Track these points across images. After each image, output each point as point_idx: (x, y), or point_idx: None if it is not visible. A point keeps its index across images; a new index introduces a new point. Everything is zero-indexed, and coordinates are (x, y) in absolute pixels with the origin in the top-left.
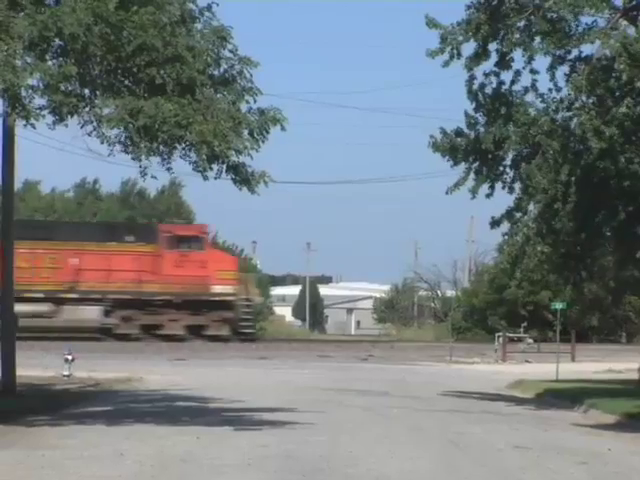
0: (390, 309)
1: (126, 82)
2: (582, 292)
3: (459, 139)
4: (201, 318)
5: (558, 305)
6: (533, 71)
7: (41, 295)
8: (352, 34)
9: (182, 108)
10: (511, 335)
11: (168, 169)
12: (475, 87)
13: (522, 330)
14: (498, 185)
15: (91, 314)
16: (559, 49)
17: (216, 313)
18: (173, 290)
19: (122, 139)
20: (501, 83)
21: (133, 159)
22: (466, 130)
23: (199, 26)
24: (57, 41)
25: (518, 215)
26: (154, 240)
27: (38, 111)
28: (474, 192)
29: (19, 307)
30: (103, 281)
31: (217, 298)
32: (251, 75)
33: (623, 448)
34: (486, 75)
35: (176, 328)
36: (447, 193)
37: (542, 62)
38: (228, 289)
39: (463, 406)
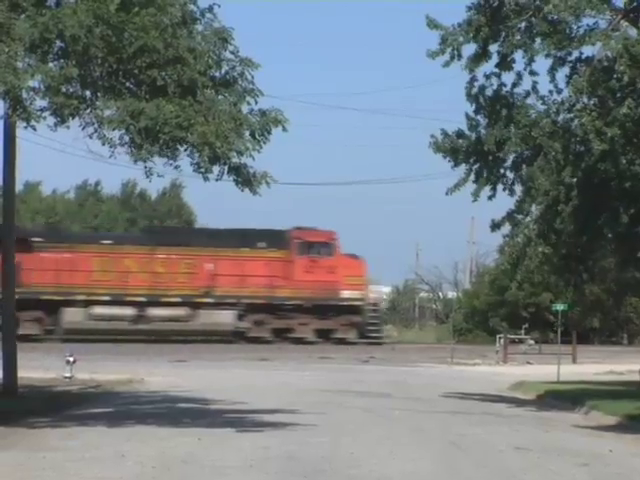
0: (391, 311)
1: (127, 84)
2: (583, 294)
3: (460, 140)
4: (329, 322)
5: (559, 307)
6: (533, 72)
7: (178, 300)
8: (352, 35)
9: (183, 110)
10: (512, 337)
11: (176, 167)
12: (475, 90)
13: (523, 332)
14: (499, 187)
15: (226, 318)
16: (560, 50)
17: (344, 317)
18: (303, 295)
19: (125, 141)
20: (502, 85)
21: (136, 161)
22: (467, 132)
23: (200, 27)
24: (58, 43)
25: (519, 217)
26: (285, 246)
27: (39, 113)
28: (475, 195)
29: (157, 311)
30: (237, 286)
31: (345, 303)
32: (252, 76)
33: (624, 449)
34: (487, 77)
35: (306, 332)
36: (447, 194)
37: (543, 64)
38: (356, 294)
39: (464, 407)
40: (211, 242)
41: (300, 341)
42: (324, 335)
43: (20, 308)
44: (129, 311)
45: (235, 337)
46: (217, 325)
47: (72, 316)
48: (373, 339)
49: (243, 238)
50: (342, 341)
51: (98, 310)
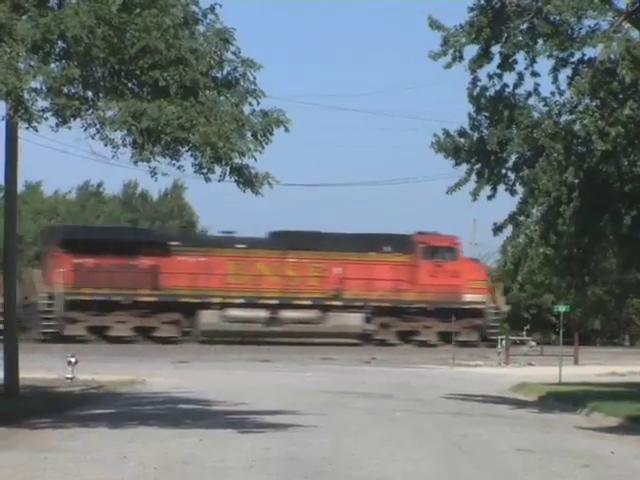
0: None
1: (129, 84)
2: (585, 295)
3: (462, 139)
4: (452, 325)
5: (561, 308)
6: (535, 73)
7: (309, 302)
8: (353, 36)
9: (185, 110)
10: (514, 338)
11: (179, 167)
12: (477, 91)
13: (525, 333)
14: (500, 187)
15: (354, 321)
16: (562, 52)
17: (466, 320)
18: (428, 298)
19: (127, 142)
20: (504, 86)
21: (137, 162)
22: (469, 131)
23: (202, 28)
24: (60, 44)
25: (521, 219)
26: (410, 250)
27: (41, 114)
28: (475, 195)
29: (289, 314)
30: (364, 289)
31: (468, 306)
32: (254, 77)
33: (626, 451)
34: (490, 77)
35: (429, 334)
36: (448, 193)
37: (544, 65)
38: (478, 298)
39: (466, 409)
40: (339, 246)
41: (424, 344)
42: (446, 338)
43: (159, 310)
44: (262, 313)
45: (362, 339)
46: (345, 327)
47: (208, 318)
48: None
49: (369, 243)
50: (465, 344)
51: (233, 312)
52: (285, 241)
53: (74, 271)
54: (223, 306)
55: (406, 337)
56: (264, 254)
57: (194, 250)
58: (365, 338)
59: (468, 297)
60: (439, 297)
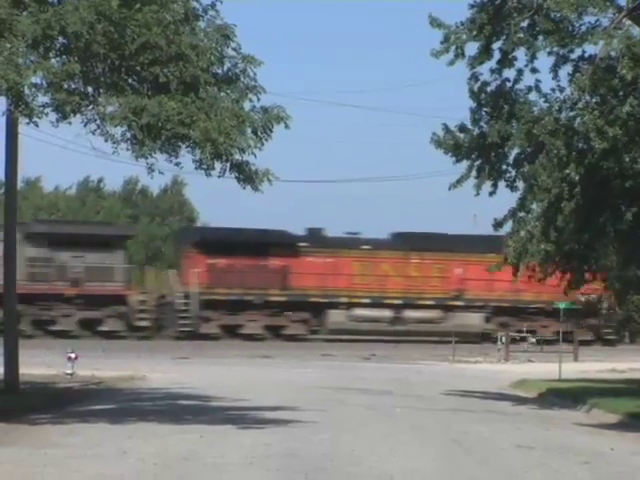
0: None
1: (130, 80)
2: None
3: (462, 135)
4: (569, 325)
5: (561, 304)
6: (535, 70)
7: (432, 302)
8: (353, 33)
9: (185, 106)
10: (514, 334)
11: (177, 164)
12: (477, 86)
13: (525, 329)
14: (501, 184)
15: (474, 320)
16: (562, 48)
17: (583, 320)
18: (544, 298)
19: (127, 137)
20: (505, 80)
21: (138, 157)
22: (470, 126)
23: (203, 24)
24: (60, 39)
25: (521, 215)
26: None
27: (41, 109)
28: (478, 188)
29: (412, 313)
30: (485, 290)
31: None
32: (255, 73)
33: (626, 448)
34: (492, 71)
35: (546, 333)
36: (449, 189)
37: (545, 62)
38: (592, 297)
39: (466, 405)
40: (460, 247)
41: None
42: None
43: (288, 309)
44: (387, 313)
45: (482, 339)
46: (466, 327)
47: (336, 317)
48: (607, 342)
49: (490, 244)
50: (582, 343)
51: (359, 312)
52: (408, 242)
53: (208, 271)
54: (350, 306)
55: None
56: (388, 255)
57: (322, 251)
58: (484, 337)
59: (582, 297)
60: (556, 297)
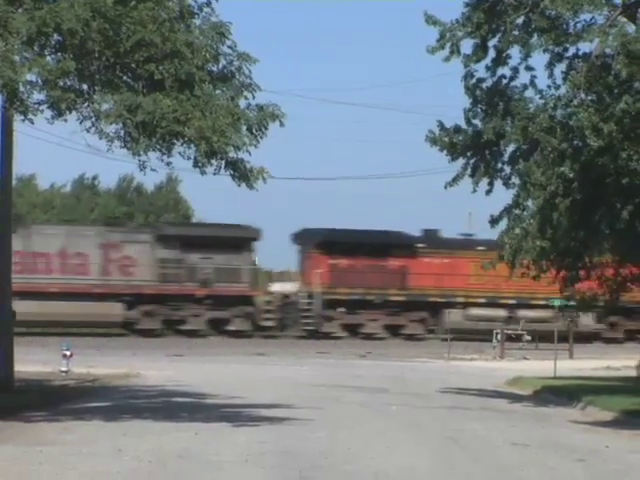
0: None
1: (125, 78)
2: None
3: (457, 135)
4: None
5: (556, 302)
6: (529, 68)
7: (543, 302)
8: (350, 31)
9: (181, 104)
10: (509, 332)
11: (168, 163)
12: (472, 82)
13: (520, 327)
14: (497, 182)
15: (585, 320)
16: (557, 46)
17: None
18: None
19: (121, 135)
20: (501, 77)
21: (132, 155)
22: (464, 126)
23: (198, 22)
24: (55, 36)
25: (517, 212)
26: None
27: (36, 106)
28: (475, 185)
29: (526, 313)
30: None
31: None
32: (250, 71)
33: (621, 445)
34: (488, 68)
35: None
36: (446, 188)
37: (540, 60)
38: None
39: (461, 403)
40: None
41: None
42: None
43: (407, 309)
44: (501, 313)
45: (594, 339)
46: (579, 327)
47: (453, 317)
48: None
49: None
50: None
51: (475, 311)
52: None
53: (330, 271)
54: (466, 305)
55: (633, 335)
56: None
57: (439, 252)
58: (595, 337)
59: None
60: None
